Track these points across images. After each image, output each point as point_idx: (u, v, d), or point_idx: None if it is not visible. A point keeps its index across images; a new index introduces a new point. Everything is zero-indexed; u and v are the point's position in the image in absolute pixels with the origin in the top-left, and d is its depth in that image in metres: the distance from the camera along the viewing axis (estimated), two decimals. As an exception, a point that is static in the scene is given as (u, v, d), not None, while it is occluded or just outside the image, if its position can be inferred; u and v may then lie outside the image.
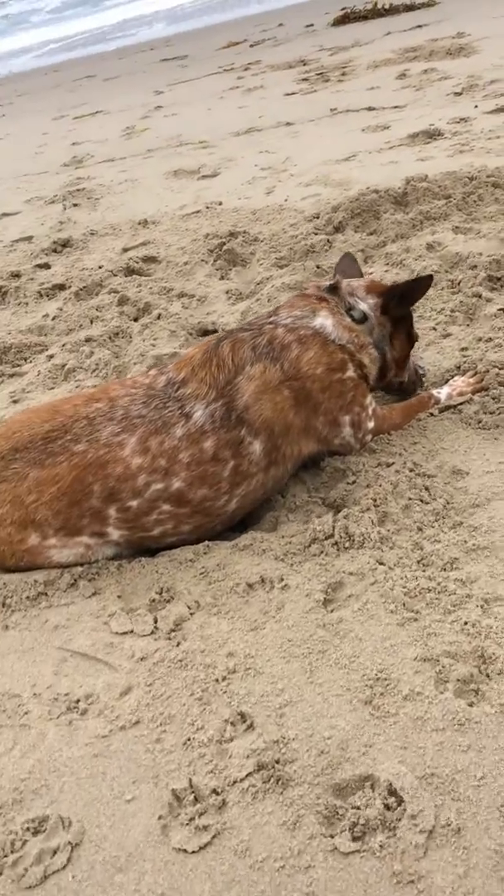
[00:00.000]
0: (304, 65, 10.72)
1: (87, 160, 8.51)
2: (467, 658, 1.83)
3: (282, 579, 2.20)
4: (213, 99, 10.13)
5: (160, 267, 4.77)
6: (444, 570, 2.10)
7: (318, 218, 4.66)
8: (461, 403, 2.72)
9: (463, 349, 3.04)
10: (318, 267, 4.08)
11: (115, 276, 4.72)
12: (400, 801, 1.57)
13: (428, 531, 2.24)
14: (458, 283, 3.48)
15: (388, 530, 2.27)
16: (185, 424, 2.34)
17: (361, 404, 2.58)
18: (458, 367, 2.94)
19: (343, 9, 13.66)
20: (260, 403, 2.38)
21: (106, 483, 2.29)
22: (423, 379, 2.93)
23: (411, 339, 2.79)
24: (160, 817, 1.65)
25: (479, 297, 3.34)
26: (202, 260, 4.65)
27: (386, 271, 3.82)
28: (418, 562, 2.15)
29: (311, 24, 14.38)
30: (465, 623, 1.91)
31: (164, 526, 2.37)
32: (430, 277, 2.69)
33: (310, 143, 6.69)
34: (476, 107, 6.28)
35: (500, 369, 2.81)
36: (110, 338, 3.98)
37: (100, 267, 4.92)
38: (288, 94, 9.08)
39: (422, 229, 4.20)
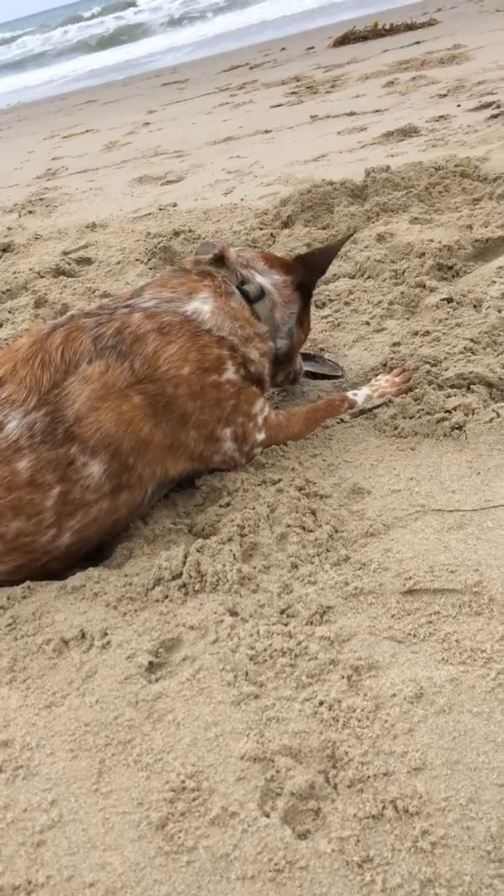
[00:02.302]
0: (298, 81, 10.36)
1: (60, 172, 8.13)
2: (312, 758, 1.25)
3: (105, 634, 1.63)
4: (200, 115, 9.78)
5: (92, 268, 4.27)
6: (311, 623, 1.52)
7: (266, 214, 4.15)
8: (379, 406, 2.15)
9: (395, 344, 2.47)
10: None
11: (43, 277, 4.23)
12: None
13: (304, 568, 1.67)
14: (402, 274, 2.92)
15: (254, 567, 1.69)
16: None
17: (247, 413, 2.00)
18: (384, 365, 2.37)
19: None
20: (97, 414, 1.80)
21: None
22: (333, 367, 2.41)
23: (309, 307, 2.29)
24: None
25: (423, 286, 2.78)
26: (136, 259, 4.15)
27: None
28: (281, 612, 1.57)
29: (312, 47, 14.13)
30: (321, 703, 1.33)
31: None
32: (349, 235, 2.16)
33: (282, 148, 6.23)
34: (458, 105, 5.78)
35: (431, 366, 2.24)
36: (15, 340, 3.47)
37: (30, 269, 4.44)
38: (274, 106, 8.68)
39: (376, 221, 3.66)
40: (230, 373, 1.97)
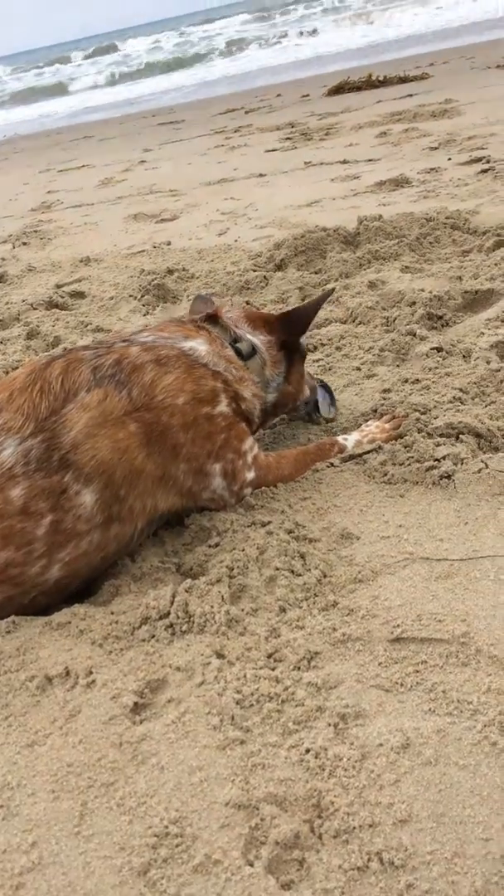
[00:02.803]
0: (292, 127, 10.59)
1: (55, 205, 8.22)
2: (297, 807, 1.24)
3: (90, 672, 1.62)
4: (196, 155, 9.96)
5: (85, 302, 4.31)
6: (298, 668, 1.52)
7: (260, 256, 4.22)
8: (369, 452, 2.18)
9: (385, 391, 2.51)
10: (247, 303, 3.60)
11: (35, 309, 4.27)
12: None
13: (292, 613, 1.67)
14: (393, 321, 2.98)
15: (242, 610, 1.70)
16: None
17: (237, 449, 2.03)
18: (375, 411, 2.41)
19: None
20: (94, 441, 1.81)
21: None
22: (328, 411, 2.44)
23: (303, 358, 2.35)
24: None
25: (414, 335, 2.83)
26: (130, 296, 4.19)
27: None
28: (268, 656, 1.57)
29: (307, 95, 14.46)
30: (307, 751, 1.33)
31: None
32: (329, 292, 2.20)
33: (276, 192, 6.35)
34: (449, 159, 5.94)
35: (421, 413, 2.27)
36: (6, 372, 3.48)
37: (23, 301, 4.47)
38: (269, 151, 8.85)
39: (368, 268, 3.73)
40: (223, 405, 2.00)
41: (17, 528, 1.76)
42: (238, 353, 2.16)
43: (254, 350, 2.20)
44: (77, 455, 1.80)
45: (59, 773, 1.40)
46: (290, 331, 2.28)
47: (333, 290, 2.32)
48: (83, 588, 1.95)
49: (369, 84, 13.04)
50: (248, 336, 2.21)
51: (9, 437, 1.80)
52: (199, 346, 2.05)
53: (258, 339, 2.23)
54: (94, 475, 1.81)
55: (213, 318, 2.19)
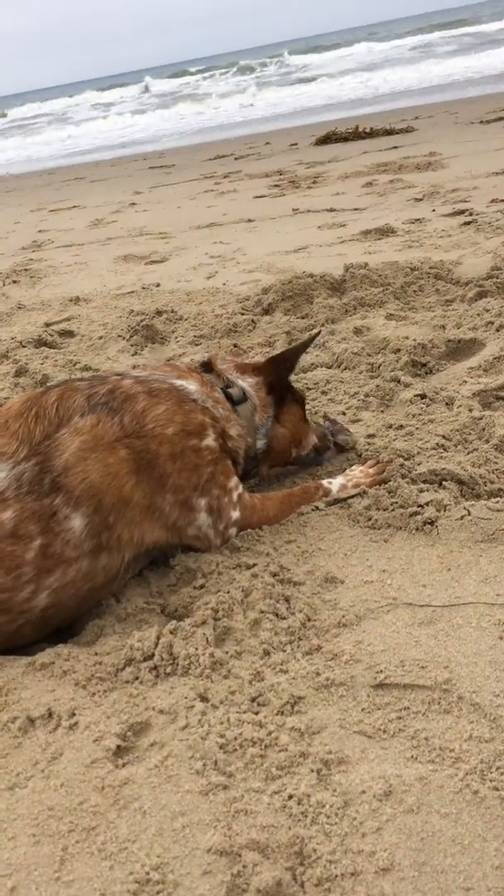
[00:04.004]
0: (281, 175, 10.83)
1: (46, 244, 8.31)
2: (280, 854, 1.24)
3: (73, 714, 1.61)
4: (185, 199, 10.14)
5: (74, 341, 4.35)
6: (282, 713, 1.52)
7: (248, 300, 4.29)
8: (353, 496, 2.21)
9: (370, 436, 2.55)
10: (235, 345, 3.66)
11: (24, 347, 4.29)
12: None
13: (275, 656, 1.68)
14: (378, 367, 3.04)
15: (226, 652, 1.70)
16: None
17: (223, 486, 2.06)
18: (359, 456, 2.44)
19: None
20: (85, 464, 1.85)
21: None
22: (345, 441, 2.46)
23: (300, 403, 2.38)
24: None
25: (398, 381, 2.89)
26: (119, 336, 4.24)
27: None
28: (252, 699, 1.57)
29: (296, 144, 14.80)
30: (290, 797, 1.33)
31: None
32: (315, 335, 2.27)
33: (264, 237, 6.47)
34: (433, 210, 6.10)
35: (405, 459, 2.31)
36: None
37: (12, 338, 4.50)
38: (257, 197, 9.04)
39: (354, 314, 3.81)
40: (210, 439, 2.05)
41: (6, 552, 1.78)
42: (229, 397, 2.21)
43: (244, 395, 2.24)
44: (68, 478, 1.84)
45: (40, 816, 1.39)
46: (276, 372, 2.33)
47: (319, 332, 2.39)
48: (67, 626, 1.96)
49: (356, 135, 13.39)
50: (239, 381, 2.26)
51: (3, 462, 1.84)
52: (189, 385, 2.11)
53: (246, 383, 2.28)
54: (84, 499, 1.84)
55: (208, 366, 2.26)
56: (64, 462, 1.84)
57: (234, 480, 2.10)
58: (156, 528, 1.97)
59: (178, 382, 2.09)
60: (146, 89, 43.59)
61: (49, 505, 1.81)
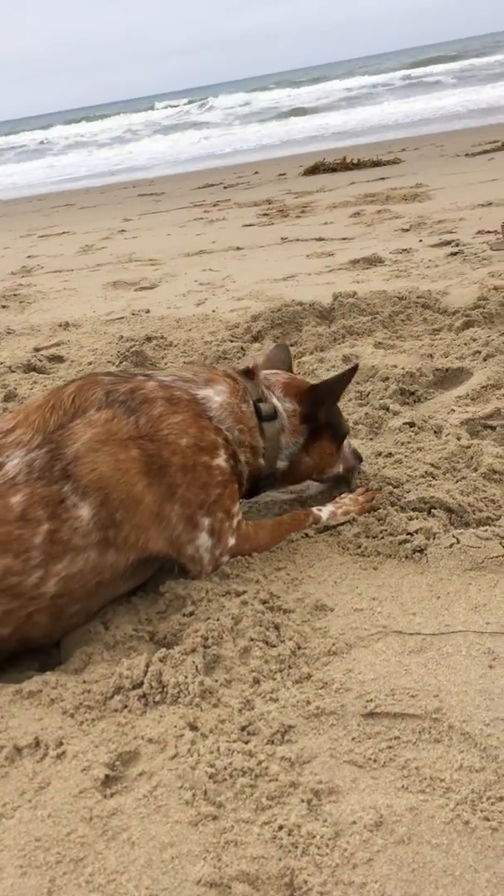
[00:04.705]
0: (269, 204, 10.96)
1: (35, 270, 8.34)
2: (270, 886, 1.23)
3: (61, 743, 1.60)
4: (175, 227, 10.23)
5: (63, 366, 4.36)
6: (272, 742, 1.51)
7: (237, 327, 4.32)
8: (343, 524, 2.22)
9: (359, 464, 2.57)
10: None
11: (14, 372, 4.30)
12: None
13: (266, 684, 1.67)
14: (367, 395, 3.06)
15: (216, 681, 1.70)
16: None
17: (227, 510, 2.06)
18: (349, 483, 2.46)
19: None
20: (95, 455, 1.87)
21: None
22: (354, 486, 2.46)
23: (340, 435, 2.36)
24: None
25: (387, 409, 2.91)
26: (108, 361, 4.25)
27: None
28: (242, 728, 1.56)
29: (284, 174, 15.00)
30: (280, 828, 1.32)
31: None
32: (354, 368, 2.27)
33: (253, 265, 6.54)
34: (420, 241, 6.19)
35: (394, 487, 2.33)
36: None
37: (1, 363, 4.50)
38: (246, 225, 9.13)
39: (342, 342, 3.85)
40: (221, 459, 2.05)
41: (14, 535, 1.79)
42: (258, 411, 2.18)
43: (275, 414, 2.22)
44: (78, 467, 1.85)
45: (27, 847, 1.37)
46: (313, 404, 2.28)
47: (357, 366, 2.34)
48: (75, 627, 1.94)
49: (344, 166, 13.60)
50: (274, 400, 2.24)
51: (17, 450, 1.87)
52: (215, 396, 2.10)
53: (283, 406, 2.25)
54: (92, 489, 1.85)
55: (250, 374, 2.23)
56: (75, 451, 1.86)
57: (237, 507, 2.11)
58: (160, 538, 1.97)
59: (202, 394, 2.08)
60: (131, 123, 44.13)
61: (58, 491, 1.83)
